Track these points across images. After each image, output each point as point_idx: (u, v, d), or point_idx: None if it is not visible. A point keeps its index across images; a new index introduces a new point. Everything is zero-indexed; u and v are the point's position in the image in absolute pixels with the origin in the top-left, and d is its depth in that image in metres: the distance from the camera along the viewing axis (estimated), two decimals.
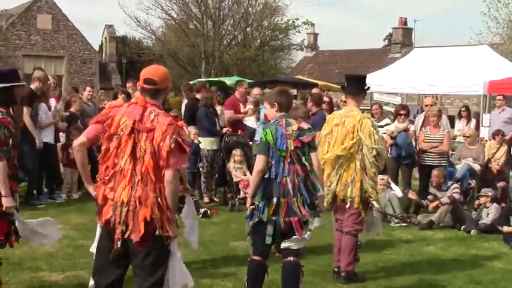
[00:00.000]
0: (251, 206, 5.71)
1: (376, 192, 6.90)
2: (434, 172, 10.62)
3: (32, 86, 10.48)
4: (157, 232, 4.33)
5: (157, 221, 4.33)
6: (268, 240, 5.71)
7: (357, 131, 6.66)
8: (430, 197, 10.44)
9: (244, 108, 12.46)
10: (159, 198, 4.32)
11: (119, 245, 4.39)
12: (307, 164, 5.72)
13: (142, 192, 4.32)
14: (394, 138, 11.07)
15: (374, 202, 6.85)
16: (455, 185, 10.52)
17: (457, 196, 10.20)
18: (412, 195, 10.60)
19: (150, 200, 4.31)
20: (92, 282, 4.74)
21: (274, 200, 5.62)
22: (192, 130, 11.13)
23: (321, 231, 7.71)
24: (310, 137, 5.78)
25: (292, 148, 5.66)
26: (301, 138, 5.70)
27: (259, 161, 5.66)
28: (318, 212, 5.94)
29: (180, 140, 4.31)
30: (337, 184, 6.74)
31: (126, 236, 4.35)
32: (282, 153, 5.64)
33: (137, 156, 4.34)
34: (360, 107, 7.00)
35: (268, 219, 5.64)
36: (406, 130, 11.28)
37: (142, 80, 4.49)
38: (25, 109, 9.97)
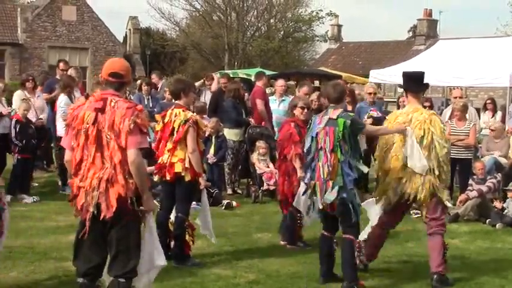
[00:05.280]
0: None
1: (446, 192, 6.64)
2: (477, 164, 10.44)
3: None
4: (130, 204, 4.54)
5: (128, 197, 4.55)
6: None
7: (429, 128, 6.37)
8: (473, 192, 10.03)
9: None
10: (127, 178, 4.55)
11: (87, 226, 4.59)
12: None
13: (110, 175, 4.55)
14: None
15: (447, 202, 6.59)
16: (493, 180, 10.38)
17: (485, 189, 10.09)
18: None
19: (119, 181, 4.54)
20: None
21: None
22: (213, 120, 11.14)
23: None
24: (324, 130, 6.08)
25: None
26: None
27: None
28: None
29: (139, 121, 4.53)
30: (407, 185, 6.41)
31: (101, 217, 4.55)
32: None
33: (103, 144, 4.59)
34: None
35: None
36: None
37: (107, 73, 4.74)
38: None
